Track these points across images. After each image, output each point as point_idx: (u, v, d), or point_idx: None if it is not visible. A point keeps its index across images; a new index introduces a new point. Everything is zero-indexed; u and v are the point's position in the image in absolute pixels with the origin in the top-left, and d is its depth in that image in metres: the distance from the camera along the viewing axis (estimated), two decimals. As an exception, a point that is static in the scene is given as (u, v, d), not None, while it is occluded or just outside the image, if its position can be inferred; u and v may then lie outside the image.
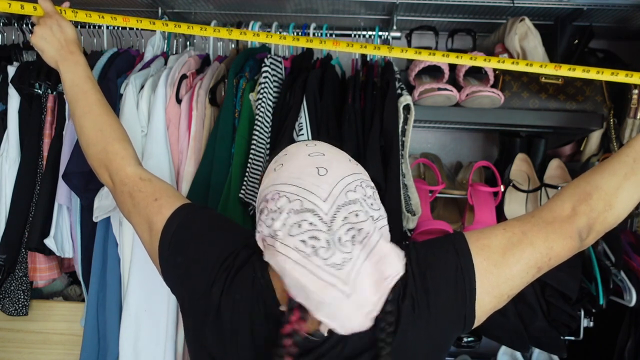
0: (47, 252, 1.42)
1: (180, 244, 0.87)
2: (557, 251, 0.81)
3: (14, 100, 1.44)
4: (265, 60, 1.40)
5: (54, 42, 1.10)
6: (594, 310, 1.48)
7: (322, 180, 0.72)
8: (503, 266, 0.79)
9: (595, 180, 0.87)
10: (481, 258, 0.79)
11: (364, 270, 0.68)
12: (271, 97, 1.38)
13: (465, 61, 1.19)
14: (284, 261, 0.69)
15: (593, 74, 1.14)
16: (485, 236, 0.81)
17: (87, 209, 1.38)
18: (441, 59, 1.21)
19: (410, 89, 1.47)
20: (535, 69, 1.18)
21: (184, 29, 1.24)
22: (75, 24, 1.59)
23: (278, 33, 1.46)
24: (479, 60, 1.18)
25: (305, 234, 0.69)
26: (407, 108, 1.37)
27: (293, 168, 0.74)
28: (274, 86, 1.39)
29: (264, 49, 1.54)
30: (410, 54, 1.19)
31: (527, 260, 0.80)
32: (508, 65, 1.18)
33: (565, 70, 1.17)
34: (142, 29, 1.61)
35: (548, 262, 0.81)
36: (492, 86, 1.45)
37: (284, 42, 1.26)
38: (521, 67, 1.18)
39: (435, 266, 0.79)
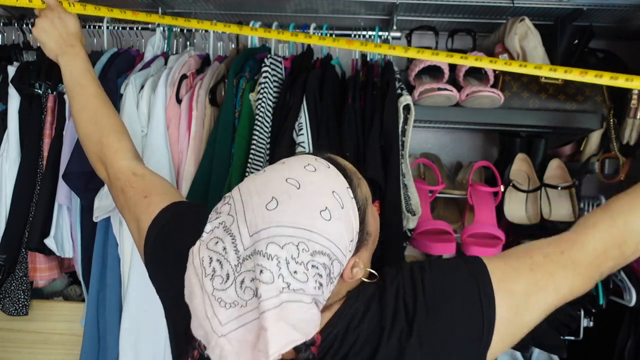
0: (47, 252, 1.42)
1: (164, 244, 0.84)
2: (575, 292, 0.76)
3: (14, 100, 1.44)
4: (265, 60, 1.40)
5: (55, 34, 1.09)
6: (594, 310, 1.48)
7: (263, 213, 0.63)
8: (524, 313, 0.73)
9: (632, 222, 0.78)
10: (505, 306, 0.71)
11: (241, 331, 0.60)
12: (271, 97, 1.38)
13: (470, 62, 1.17)
14: (190, 263, 0.66)
15: (591, 77, 1.09)
16: (512, 278, 0.73)
17: (87, 209, 1.38)
18: (445, 59, 1.20)
19: (410, 89, 1.47)
20: (544, 72, 1.12)
21: (193, 23, 1.23)
22: (76, 24, 1.61)
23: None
24: (484, 62, 1.17)
25: (216, 255, 0.63)
26: (407, 108, 1.37)
27: (260, 181, 0.67)
28: (274, 86, 1.39)
29: (264, 49, 1.54)
30: (411, 53, 1.19)
31: (548, 305, 0.74)
32: (515, 67, 1.15)
33: (562, 73, 1.13)
34: (142, 29, 1.61)
35: (563, 302, 0.76)
36: (492, 86, 1.45)
37: (295, 40, 1.27)
38: (529, 69, 1.14)
39: (452, 300, 0.71)
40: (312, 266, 0.61)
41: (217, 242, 0.64)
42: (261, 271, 0.59)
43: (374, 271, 0.76)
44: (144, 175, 0.94)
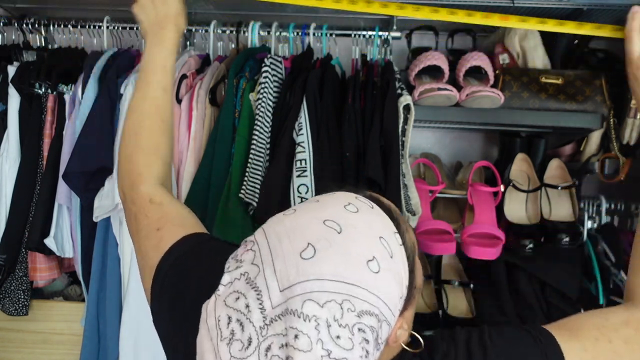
0: (47, 252, 1.42)
1: (174, 286, 0.71)
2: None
3: (14, 100, 1.44)
4: (265, 60, 1.40)
5: (151, 13, 0.98)
6: (594, 310, 1.48)
7: (297, 263, 0.52)
8: None
9: None
10: None
11: None
12: (271, 97, 1.38)
13: (493, 21, 1.15)
14: (203, 322, 0.55)
15: (514, 21, 1.13)
16: (593, 356, 0.65)
17: (87, 209, 1.38)
18: (481, 20, 1.15)
19: (410, 89, 1.47)
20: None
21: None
22: (75, 23, 1.61)
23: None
24: (495, 19, 1.15)
25: (236, 314, 0.52)
26: (407, 108, 1.37)
27: (290, 223, 0.57)
28: (274, 86, 1.39)
29: (264, 48, 1.54)
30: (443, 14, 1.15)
31: None
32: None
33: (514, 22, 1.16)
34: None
35: None
36: (492, 86, 1.45)
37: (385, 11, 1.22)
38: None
39: None
40: (359, 329, 0.50)
41: (237, 298, 0.52)
42: (296, 336, 0.48)
43: (418, 336, 0.63)
44: (161, 204, 0.81)
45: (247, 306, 0.51)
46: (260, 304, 0.51)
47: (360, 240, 0.55)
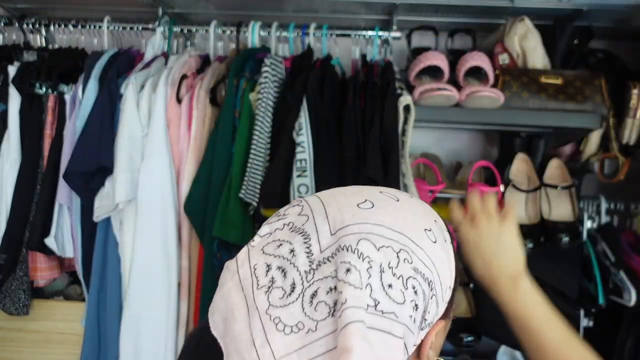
0: (48, 251, 1.42)
1: None
2: None
3: (14, 100, 1.45)
4: (266, 60, 1.40)
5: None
6: (593, 310, 1.49)
7: (353, 211, 0.48)
8: None
9: None
10: None
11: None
12: (271, 97, 1.38)
13: None
14: (229, 276, 0.48)
15: None
16: None
17: (87, 209, 1.38)
18: None
19: (410, 89, 1.47)
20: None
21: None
22: (75, 23, 1.61)
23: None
24: None
25: (277, 260, 0.46)
26: (407, 108, 1.37)
27: (341, 189, 0.52)
28: (274, 86, 1.40)
29: (264, 49, 1.54)
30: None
31: None
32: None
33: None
34: (142, 29, 1.61)
35: None
36: (492, 86, 1.45)
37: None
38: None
39: None
40: (412, 287, 0.45)
41: (280, 245, 0.47)
42: (348, 270, 0.43)
43: None
44: None
45: (292, 251, 0.46)
46: (308, 247, 0.45)
47: (418, 210, 0.51)
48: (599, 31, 1.65)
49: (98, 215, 1.34)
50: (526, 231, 1.48)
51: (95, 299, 1.40)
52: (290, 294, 0.44)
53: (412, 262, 0.46)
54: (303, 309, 0.43)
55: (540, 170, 1.60)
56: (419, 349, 0.50)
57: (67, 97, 1.45)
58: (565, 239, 1.44)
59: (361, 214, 0.47)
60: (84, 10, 1.78)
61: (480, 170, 1.65)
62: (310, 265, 0.45)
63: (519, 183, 1.57)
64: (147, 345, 1.34)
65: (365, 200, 0.49)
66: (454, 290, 0.54)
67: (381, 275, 0.44)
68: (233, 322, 0.45)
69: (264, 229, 0.50)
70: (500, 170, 1.56)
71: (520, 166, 1.62)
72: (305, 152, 1.30)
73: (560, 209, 1.55)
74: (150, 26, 1.59)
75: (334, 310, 0.43)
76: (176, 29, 1.59)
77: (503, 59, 1.53)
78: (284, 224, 0.49)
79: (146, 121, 1.38)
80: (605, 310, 1.45)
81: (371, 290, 0.43)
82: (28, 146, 1.44)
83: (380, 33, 1.56)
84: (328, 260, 0.45)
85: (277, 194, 1.30)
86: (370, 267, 0.44)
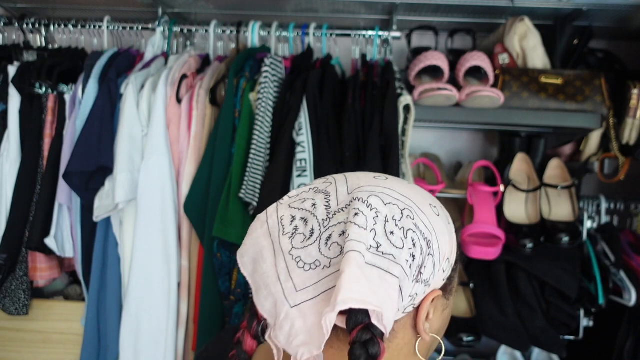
0: (48, 251, 1.42)
1: None
2: None
3: (14, 100, 1.45)
4: (266, 60, 1.40)
5: None
6: (593, 310, 1.49)
7: (368, 180, 0.56)
8: None
9: None
10: None
11: (317, 302, 0.50)
12: (271, 97, 1.38)
13: None
14: (259, 226, 0.56)
15: None
16: None
17: (87, 209, 1.38)
18: None
19: (410, 89, 1.47)
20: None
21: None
22: (75, 23, 1.61)
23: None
24: None
25: (301, 212, 0.54)
26: (407, 108, 1.37)
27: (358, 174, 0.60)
28: (274, 86, 1.40)
29: (264, 49, 1.54)
30: None
31: None
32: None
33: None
34: (142, 29, 1.61)
35: None
36: (492, 86, 1.45)
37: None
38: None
39: None
40: (412, 239, 0.52)
41: (304, 201, 0.55)
42: (356, 214, 0.51)
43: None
44: None
45: (314, 205, 0.54)
46: (327, 202, 0.54)
47: (427, 194, 0.59)
48: (599, 31, 1.65)
49: (98, 215, 1.34)
50: (526, 231, 1.49)
51: (95, 299, 1.40)
52: (309, 238, 0.52)
53: (414, 219, 0.53)
54: (319, 250, 0.51)
55: (540, 170, 1.60)
56: (416, 315, 0.56)
57: (67, 97, 1.45)
58: (565, 239, 1.44)
59: (376, 182, 0.56)
60: (84, 10, 1.78)
61: (480, 170, 1.65)
62: (327, 215, 0.53)
63: (519, 183, 1.57)
64: (147, 345, 1.34)
65: (382, 175, 0.58)
66: (454, 271, 0.59)
67: (385, 224, 0.51)
68: (262, 262, 0.54)
69: (293, 192, 0.58)
70: (500, 170, 1.56)
71: (520, 166, 1.62)
72: (305, 152, 1.30)
73: (560, 209, 1.55)
74: (150, 26, 1.59)
75: (343, 248, 0.50)
76: (176, 29, 1.59)
77: (503, 59, 1.53)
78: (310, 188, 0.57)
79: (146, 121, 1.38)
80: (605, 310, 1.45)
81: (375, 234, 0.51)
82: (28, 146, 1.44)
83: (380, 33, 1.56)
84: (342, 210, 0.53)
85: (277, 194, 1.30)
86: (377, 216, 0.51)
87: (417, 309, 0.55)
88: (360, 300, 0.47)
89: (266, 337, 0.52)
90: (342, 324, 0.49)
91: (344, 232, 0.51)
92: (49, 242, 1.40)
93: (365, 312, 0.48)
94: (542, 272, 1.46)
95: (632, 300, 1.43)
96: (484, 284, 1.54)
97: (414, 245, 0.52)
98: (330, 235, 0.52)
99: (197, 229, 1.37)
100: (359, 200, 0.52)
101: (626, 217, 1.74)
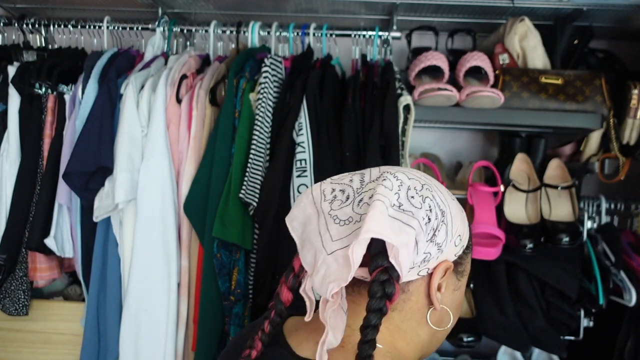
0: (48, 252, 1.42)
1: None
2: None
3: (14, 100, 1.45)
4: (266, 60, 1.40)
5: None
6: (593, 310, 1.49)
7: (400, 167, 0.71)
8: None
9: None
10: None
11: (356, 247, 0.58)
12: (271, 97, 1.38)
13: None
14: (304, 197, 0.66)
15: None
16: None
17: (87, 209, 1.38)
18: None
19: (410, 89, 1.47)
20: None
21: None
22: (75, 23, 1.61)
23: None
24: None
25: (340, 185, 0.65)
26: (407, 108, 1.37)
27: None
28: (274, 86, 1.40)
29: (264, 49, 1.54)
30: None
31: None
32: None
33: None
34: (142, 29, 1.61)
35: None
36: (492, 86, 1.45)
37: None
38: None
39: None
40: (429, 205, 0.61)
41: (343, 178, 0.66)
42: (384, 179, 0.62)
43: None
44: None
45: (351, 180, 0.65)
46: (362, 178, 0.65)
47: (440, 186, 0.68)
48: (599, 31, 1.65)
49: (98, 215, 1.34)
50: (526, 231, 1.48)
51: (95, 299, 1.39)
52: (345, 202, 0.63)
53: (432, 192, 0.63)
54: (353, 209, 0.61)
55: (540, 170, 1.60)
56: (429, 282, 0.64)
57: (67, 97, 1.45)
58: (566, 239, 1.44)
59: (404, 168, 0.67)
60: (84, 10, 1.78)
61: (480, 170, 1.65)
62: (361, 185, 0.64)
63: (519, 183, 1.57)
64: (146, 345, 1.34)
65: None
66: (466, 254, 0.69)
67: (407, 192, 0.62)
68: (309, 224, 0.64)
69: (334, 177, 0.69)
70: (500, 170, 1.56)
71: (520, 166, 1.61)
72: (305, 152, 1.30)
73: (560, 209, 1.55)
74: (150, 26, 1.59)
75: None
76: (176, 29, 1.59)
77: (503, 59, 1.53)
78: (350, 173, 0.68)
79: (146, 121, 1.38)
80: (605, 310, 1.45)
81: (398, 196, 0.61)
82: (28, 146, 1.44)
83: (380, 33, 1.55)
84: (374, 181, 0.64)
85: (277, 194, 1.29)
86: (401, 184, 0.62)
87: (430, 276, 0.63)
88: (380, 232, 0.56)
89: (300, 290, 0.63)
90: (366, 274, 0.59)
91: (373, 195, 0.60)
92: (49, 242, 1.40)
93: (385, 256, 0.57)
94: (542, 272, 1.46)
95: (633, 301, 1.43)
96: (484, 284, 1.54)
97: (430, 210, 0.61)
98: (362, 198, 0.62)
99: (197, 229, 1.37)
100: (388, 172, 0.64)
101: (626, 217, 1.73)
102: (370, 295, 0.56)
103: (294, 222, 0.66)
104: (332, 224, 0.61)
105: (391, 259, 0.57)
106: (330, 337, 0.58)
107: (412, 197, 0.61)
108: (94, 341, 1.40)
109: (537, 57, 1.52)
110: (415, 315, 0.65)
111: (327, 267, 0.59)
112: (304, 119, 1.32)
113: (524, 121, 1.47)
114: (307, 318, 0.62)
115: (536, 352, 1.70)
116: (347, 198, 0.63)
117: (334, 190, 0.65)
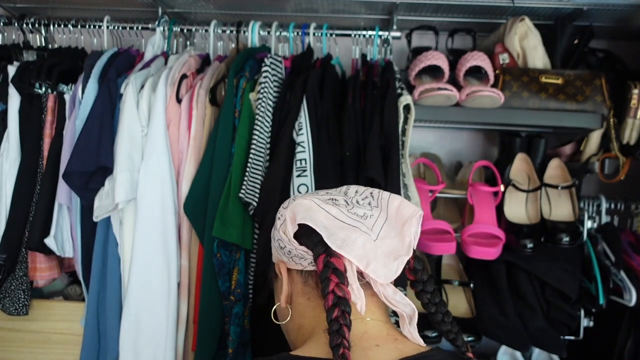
0: (48, 251, 1.42)
1: None
2: None
3: (14, 100, 1.44)
4: (266, 60, 1.40)
5: None
6: (594, 310, 1.49)
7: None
8: None
9: None
10: None
11: (386, 227, 0.71)
12: (271, 97, 1.38)
13: None
14: (310, 203, 0.73)
15: None
16: None
17: (87, 209, 1.38)
18: None
19: (410, 89, 1.47)
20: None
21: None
22: (75, 23, 1.61)
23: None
24: None
25: (327, 196, 0.76)
26: (407, 108, 1.37)
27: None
28: (274, 86, 1.40)
29: (264, 48, 1.54)
30: None
31: None
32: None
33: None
34: (142, 28, 1.61)
35: None
36: (492, 86, 1.45)
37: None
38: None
39: None
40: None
41: (322, 195, 0.77)
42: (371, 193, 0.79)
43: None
44: None
45: (334, 198, 0.77)
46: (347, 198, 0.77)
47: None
48: (599, 31, 1.65)
49: (98, 215, 1.34)
50: (526, 231, 1.48)
51: (94, 299, 1.39)
52: (347, 205, 0.74)
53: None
54: (360, 207, 0.74)
55: (540, 170, 1.60)
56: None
57: (67, 97, 1.45)
58: (566, 239, 1.44)
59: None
60: (84, 10, 1.79)
61: (480, 170, 1.65)
62: (346, 195, 0.77)
63: (519, 183, 1.57)
64: (146, 345, 1.34)
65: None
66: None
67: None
68: (332, 227, 0.72)
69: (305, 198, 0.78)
70: (500, 170, 1.56)
71: (520, 166, 1.62)
72: (305, 152, 1.30)
73: (560, 209, 1.55)
74: (150, 26, 1.59)
75: (372, 206, 0.75)
76: (176, 28, 1.59)
77: (503, 58, 1.53)
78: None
79: (146, 121, 1.37)
80: (605, 310, 1.45)
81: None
82: (28, 146, 1.44)
83: (380, 33, 1.55)
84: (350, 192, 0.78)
85: (277, 194, 1.29)
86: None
87: None
88: (415, 211, 0.75)
89: (355, 287, 0.69)
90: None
91: (365, 199, 0.76)
92: (49, 242, 1.40)
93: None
94: (542, 272, 1.46)
95: (633, 301, 1.43)
96: (484, 284, 1.54)
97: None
98: (357, 201, 0.75)
99: (196, 229, 1.37)
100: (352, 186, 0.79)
101: (626, 217, 1.73)
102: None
103: (341, 234, 0.71)
104: (358, 218, 0.71)
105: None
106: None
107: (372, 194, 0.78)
108: (93, 341, 1.40)
109: (537, 57, 1.52)
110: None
111: (382, 249, 0.69)
112: (304, 118, 1.32)
113: (524, 121, 1.47)
114: (362, 311, 0.69)
115: (536, 352, 1.70)
116: (346, 202, 0.73)
117: (330, 200, 0.74)
